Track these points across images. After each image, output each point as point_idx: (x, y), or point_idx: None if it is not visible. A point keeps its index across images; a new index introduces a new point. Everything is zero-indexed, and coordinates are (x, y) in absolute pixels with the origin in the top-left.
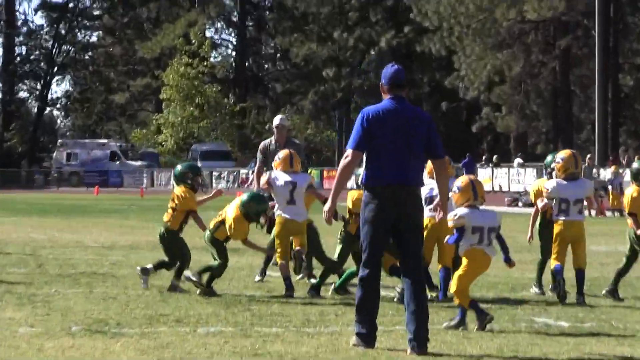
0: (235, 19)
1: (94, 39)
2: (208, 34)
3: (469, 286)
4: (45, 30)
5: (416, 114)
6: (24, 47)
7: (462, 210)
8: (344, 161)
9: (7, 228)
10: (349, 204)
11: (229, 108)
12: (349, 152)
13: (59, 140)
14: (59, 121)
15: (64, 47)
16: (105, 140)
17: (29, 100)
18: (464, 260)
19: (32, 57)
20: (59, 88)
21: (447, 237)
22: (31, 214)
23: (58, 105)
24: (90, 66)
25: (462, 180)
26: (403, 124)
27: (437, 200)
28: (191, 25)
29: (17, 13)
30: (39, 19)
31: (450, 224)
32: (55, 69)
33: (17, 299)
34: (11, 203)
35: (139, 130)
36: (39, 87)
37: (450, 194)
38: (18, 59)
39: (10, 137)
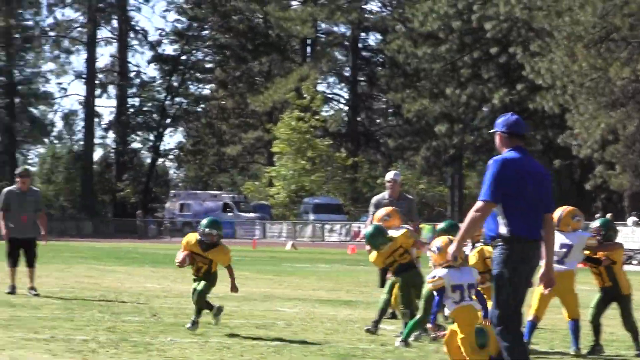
0: (347, 74)
1: (206, 91)
2: (320, 88)
3: (474, 343)
4: (157, 82)
5: (541, 167)
6: (137, 99)
7: (441, 271)
8: (476, 213)
9: (121, 277)
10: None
11: (340, 162)
12: (482, 203)
13: (172, 191)
14: (171, 172)
15: (177, 99)
16: (217, 192)
17: (142, 151)
18: (457, 322)
19: (145, 108)
20: (172, 139)
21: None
22: (144, 263)
23: (171, 156)
24: (202, 118)
25: (441, 240)
26: (536, 175)
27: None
28: (303, 79)
29: (130, 65)
30: (151, 71)
31: (429, 286)
32: (168, 120)
33: (133, 347)
34: (125, 252)
35: (251, 183)
36: (151, 138)
37: (429, 254)
38: (131, 110)
39: (123, 187)
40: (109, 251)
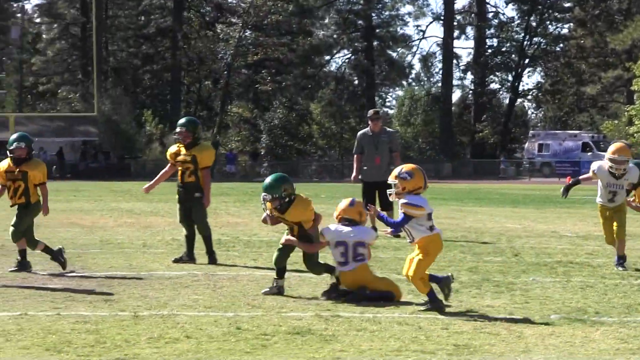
0: None
1: (564, 30)
2: None
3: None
4: (516, 22)
5: None
6: (495, 40)
7: (420, 200)
8: None
9: (482, 218)
10: None
11: None
12: None
13: (531, 132)
14: (529, 112)
15: (535, 39)
16: (577, 132)
17: (500, 92)
18: (427, 249)
19: (503, 49)
20: (530, 80)
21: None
22: (504, 204)
23: (529, 97)
24: (561, 58)
25: (409, 166)
26: None
27: None
28: None
29: (488, 6)
30: (509, 11)
31: (416, 212)
32: (526, 60)
33: (495, 287)
34: (485, 193)
35: (610, 122)
36: (510, 78)
37: (393, 180)
38: (489, 51)
39: (482, 128)
40: (469, 192)
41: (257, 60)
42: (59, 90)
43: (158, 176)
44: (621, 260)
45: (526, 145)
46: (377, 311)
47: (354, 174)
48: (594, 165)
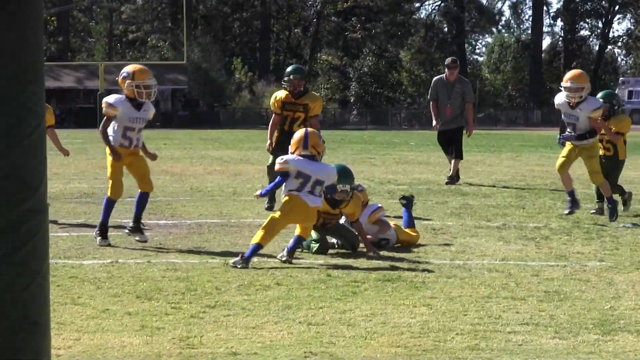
0: None
1: None
2: None
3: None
4: None
5: None
6: None
7: (290, 157)
8: None
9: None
10: None
11: None
12: None
13: (621, 79)
14: (619, 59)
15: None
16: None
17: (590, 39)
18: (282, 206)
19: None
20: (620, 26)
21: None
22: None
23: (619, 44)
24: None
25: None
26: None
27: None
28: None
29: None
30: None
31: (276, 167)
32: (617, 7)
33: (586, 233)
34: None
35: None
36: (600, 25)
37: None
38: None
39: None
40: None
41: (347, 7)
42: (149, 39)
43: (270, 131)
44: (611, 203)
45: (616, 91)
46: (467, 258)
47: (434, 122)
48: (556, 98)
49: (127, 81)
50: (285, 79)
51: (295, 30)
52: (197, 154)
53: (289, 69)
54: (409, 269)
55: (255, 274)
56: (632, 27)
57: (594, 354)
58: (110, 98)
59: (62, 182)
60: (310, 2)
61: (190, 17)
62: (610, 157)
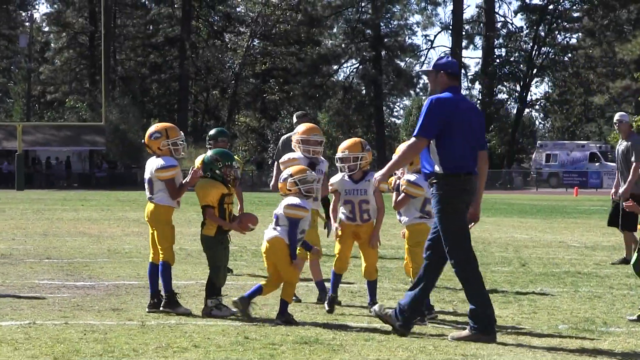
0: None
1: (573, 40)
2: None
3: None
4: (525, 32)
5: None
6: (503, 49)
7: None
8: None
9: (489, 228)
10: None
11: None
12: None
13: (538, 142)
14: (537, 122)
15: (543, 49)
16: (584, 142)
17: (508, 102)
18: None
19: (511, 59)
20: (538, 90)
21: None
22: (512, 214)
23: (537, 107)
24: (569, 68)
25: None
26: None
27: None
28: None
29: (497, 15)
30: (518, 21)
31: (418, 192)
32: (535, 70)
33: (503, 297)
34: (492, 203)
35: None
36: (517, 88)
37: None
38: (497, 61)
39: (489, 138)
40: None
41: (265, 69)
42: (67, 100)
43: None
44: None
45: (534, 155)
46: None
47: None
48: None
49: (162, 141)
50: (211, 141)
51: (214, 92)
52: (115, 215)
53: (212, 132)
54: (326, 332)
55: (173, 336)
56: (550, 91)
57: None
58: (166, 164)
59: None
60: (228, 64)
61: (108, 78)
62: None
